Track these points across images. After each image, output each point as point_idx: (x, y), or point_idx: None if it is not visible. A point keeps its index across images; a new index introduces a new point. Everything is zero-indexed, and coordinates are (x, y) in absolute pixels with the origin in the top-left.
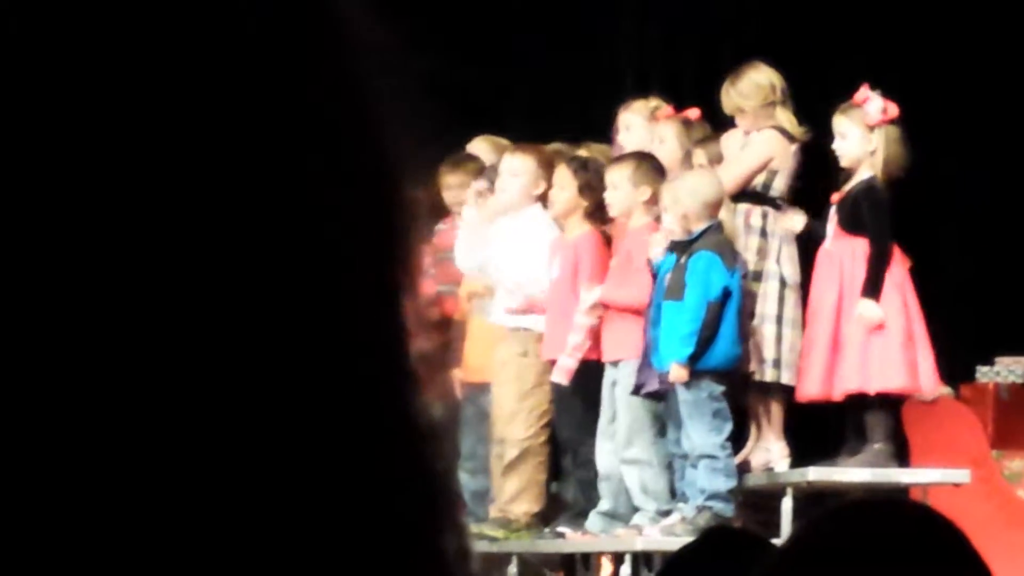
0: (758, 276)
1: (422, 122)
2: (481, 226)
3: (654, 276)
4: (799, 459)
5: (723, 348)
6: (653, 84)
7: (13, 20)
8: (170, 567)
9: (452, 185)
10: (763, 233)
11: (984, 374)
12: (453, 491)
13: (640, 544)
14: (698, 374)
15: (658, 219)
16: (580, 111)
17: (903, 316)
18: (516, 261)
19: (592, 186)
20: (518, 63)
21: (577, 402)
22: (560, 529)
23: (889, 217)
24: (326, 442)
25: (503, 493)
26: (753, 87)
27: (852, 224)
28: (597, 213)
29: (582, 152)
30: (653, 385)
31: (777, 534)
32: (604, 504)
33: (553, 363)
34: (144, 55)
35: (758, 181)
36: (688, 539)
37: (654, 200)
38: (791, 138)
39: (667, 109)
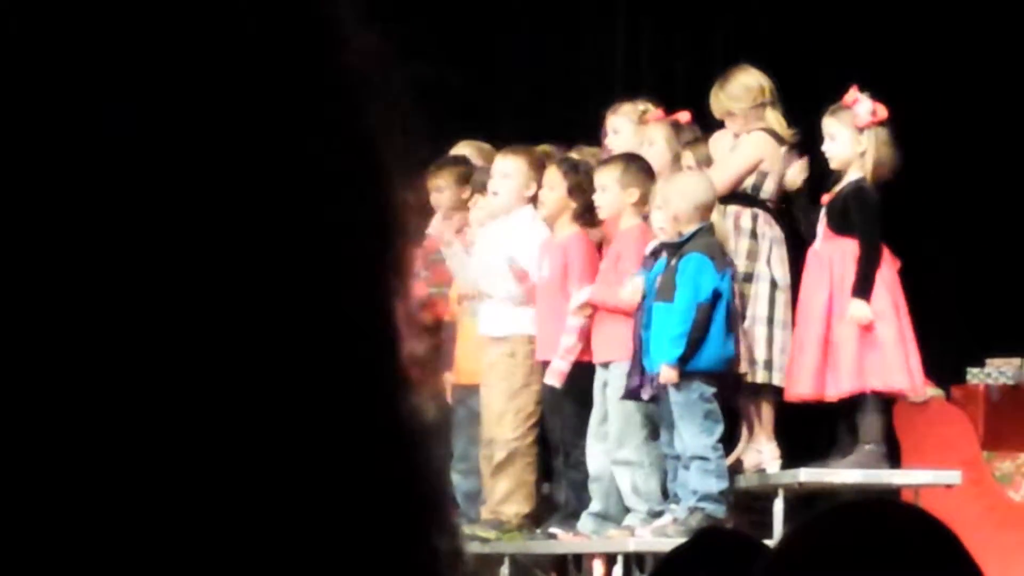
0: (748, 278)
1: (413, 124)
2: (470, 228)
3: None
4: (790, 460)
5: (713, 350)
6: (643, 87)
7: (13, 20)
8: (166, 567)
9: (440, 187)
10: (753, 235)
11: (975, 376)
12: (445, 493)
13: (632, 545)
14: (688, 375)
15: (646, 219)
16: (570, 114)
17: (894, 316)
18: (504, 262)
19: (582, 187)
20: (508, 65)
21: (568, 403)
22: (552, 530)
23: (879, 218)
24: (319, 444)
25: (493, 494)
26: (742, 89)
27: (842, 225)
28: (586, 214)
29: (573, 154)
30: (647, 392)
31: (769, 535)
32: (595, 505)
33: (543, 364)
34: (144, 57)
35: (748, 183)
36: (680, 540)
37: (643, 202)
38: (781, 140)
39: (656, 112)
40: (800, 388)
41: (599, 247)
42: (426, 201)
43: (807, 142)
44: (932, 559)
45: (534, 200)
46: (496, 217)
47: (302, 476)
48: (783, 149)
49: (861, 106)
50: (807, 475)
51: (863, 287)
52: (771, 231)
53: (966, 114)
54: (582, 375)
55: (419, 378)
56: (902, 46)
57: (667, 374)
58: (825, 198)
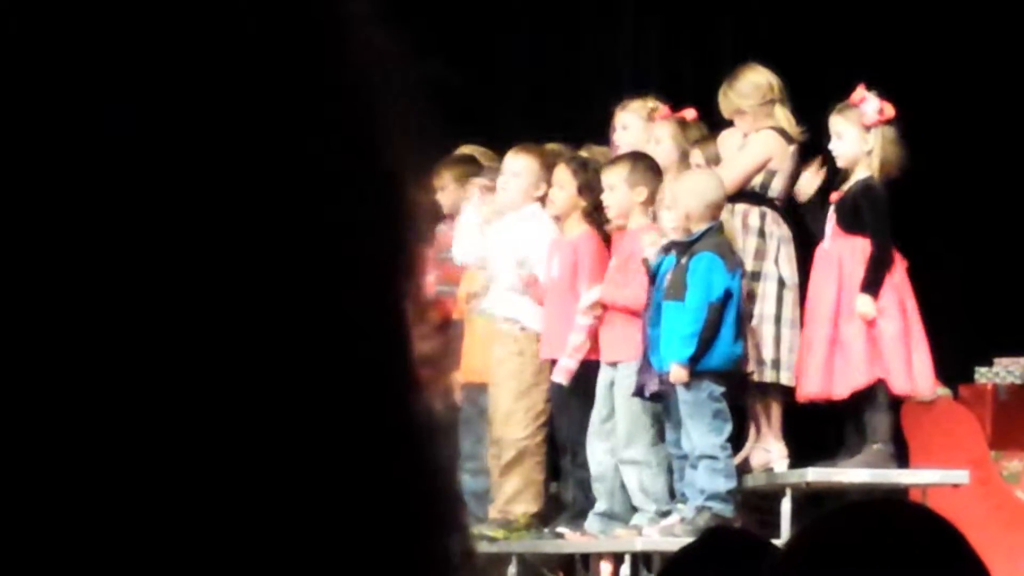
0: (756, 276)
1: (422, 124)
2: (481, 223)
3: (652, 278)
4: (798, 460)
5: (723, 349)
6: (651, 85)
7: (13, 20)
8: (171, 567)
9: (448, 186)
10: (761, 234)
11: (983, 375)
12: (455, 492)
13: (640, 544)
14: (698, 375)
15: (654, 218)
16: (577, 113)
17: (899, 316)
18: (513, 260)
19: (591, 186)
20: (514, 65)
21: (576, 402)
22: (559, 530)
23: (889, 216)
24: (329, 444)
25: (502, 494)
26: (751, 87)
27: (850, 224)
28: (596, 213)
29: (582, 153)
30: (654, 387)
31: (776, 534)
32: (600, 505)
33: (551, 363)
34: (145, 57)
35: (756, 181)
36: (688, 540)
37: (651, 200)
38: (789, 139)
39: (664, 109)
40: (809, 387)
41: (608, 246)
42: (435, 201)
43: (815, 141)
44: (939, 559)
45: (543, 199)
46: (503, 215)
47: (312, 475)
48: (792, 147)
49: (868, 105)
50: (815, 475)
51: (872, 284)
52: (779, 230)
53: (973, 112)
54: (590, 374)
55: (428, 377)
56: (909, 45)
57: (677, 373)
58: (833, 196)
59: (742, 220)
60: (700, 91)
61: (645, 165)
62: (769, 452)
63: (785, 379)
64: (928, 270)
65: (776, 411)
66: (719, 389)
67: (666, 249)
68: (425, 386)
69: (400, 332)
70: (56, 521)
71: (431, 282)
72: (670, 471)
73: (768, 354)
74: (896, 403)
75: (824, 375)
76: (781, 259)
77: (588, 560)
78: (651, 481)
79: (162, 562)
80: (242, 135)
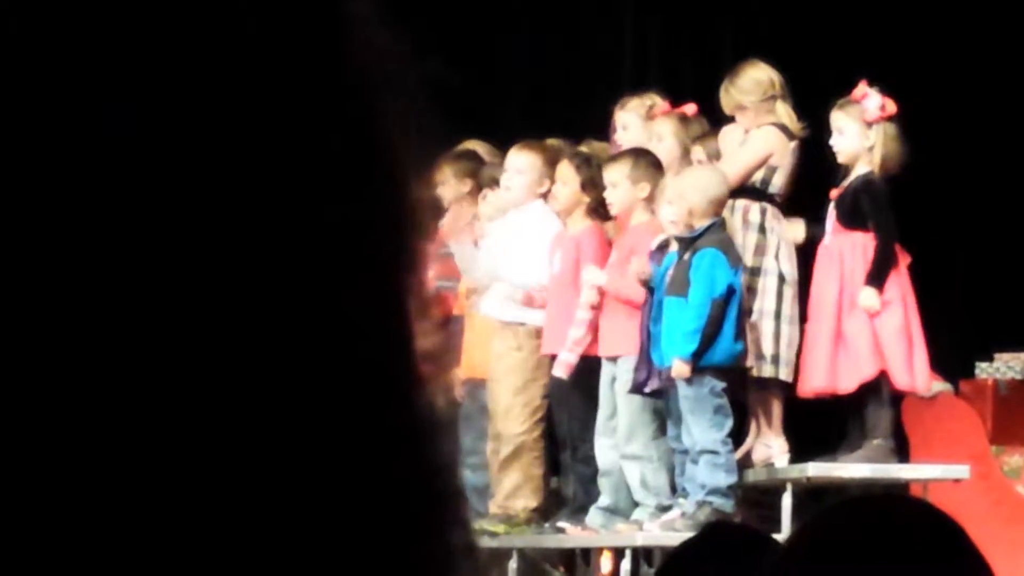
0: (756, 272)
1: (423, 120)
2: (480, 223)
3: (649, 290)
4: (799, 455)
5: (725, 345)
6: (652, 82)
7: (13, 20)
8: (172, 566)
9: (448, 181)
10: (761, 229)
11: (983, 370)
12: (457, 488)
13: (640, 539)
14: (700, 370)
15: (654, 212)
16: (578, 112)
17: (901, 311)
18: (518, 257)
19: (595, 182)
20: (514, 63)
21: (576, 397)
22: (560, 524)
23: (891, 209)
24: (331, 440)
25: (501, 489)
26: (753, 83)
27: (851, 219)
28: (600, 209)
29: (583, 149)
30: (654, 384)
31: (777, 529)
32: (604, 499)
33: (552, 358)
34: (145, 57)
35: (757, 177)
36: (688, 534)
37: (653, 196)
38: (790, 135)
39: (663, 105)
40: (814, 383)
41: (610, 242)
42: (437, 197)
43: (816, 137)
44: (940, 553)
45: (545, 196)
46: (507, 212)
47: (314, 471)
48: (793, 144)
49: (870, 101)
50: (815, 469)
51: (877, 277)
52: (779, 225)
53: (973, 108)
54: (590, 369)
55: (429, 373)
56: (911, 41)
57: (679, 369)
58: (834, 193)
59: (742, 216)
60: (700, 88)
61: (647, 161)
62: (770, 447)
63: (784, 375)
64: (929, 266)
65: (777, 406)
66: (720, 384)
67: (662, 246)
68: (427, 382)
69: (403, 329)
70: (57, 521)
71: (432, 277)
72: (671, 466)
73: (768, 350)
74: (897, 398)
75: (828, 370)
76: (781, 255)
77: (589, 555)
78: (652, 476)
79: (163, 562)
80: (243, 135)
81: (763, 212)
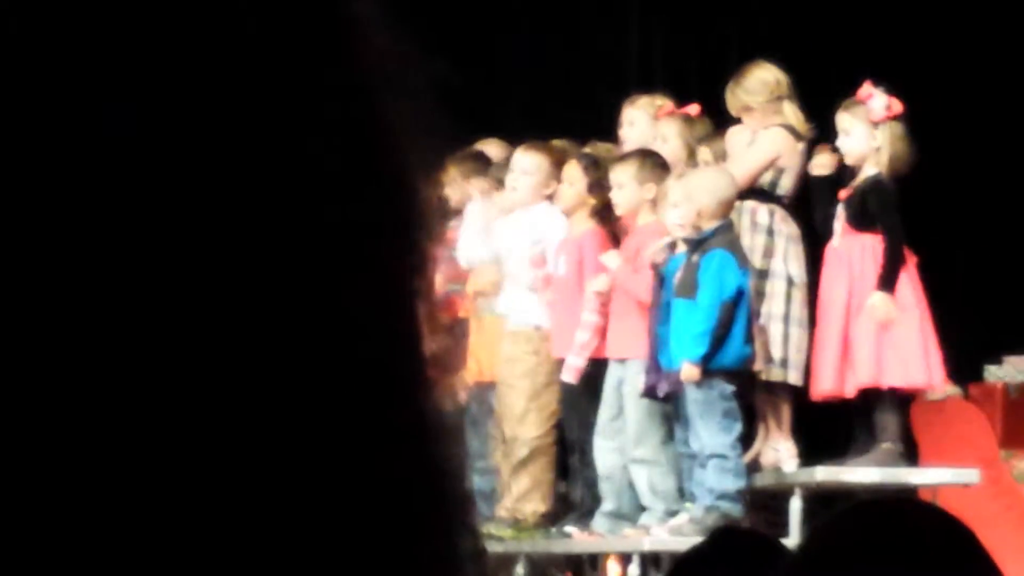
0: (764, 275)
1: (429, 121)
2: (487, 221)
3: (660, 281)
4: (808, 459)
5: (735, 348)
6: (657, 83)
7: (13, 20)
8: (174, 567)
9: (455, 182)
10: (769, 231)
11: (993, 373)
12: (466, 492)
13: (648, 544)
14: (709, 373)
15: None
16: (583, 112)
17: (916, 311)
18: (525, 258)
19: (601, 184)
20: (520, 62)
21: (585, 401)
22: (567, 529)
23: (899, 211)
24: (339, 443)
25: (512, 492)
26: (759, 83)
27: (860, 221)
28: (604, 211)
29: (588, 150)
30: (666, 388)
31: (785, 534)
32: (607, 504)
33: (561, 361)
34: (146, 56)
35: (765, 179)
36: (696, 539)
37: (660, 197)
38: (798, 136)
39: (667, 106)
40: (823, 386)
41: (616, 244)
42: (443, 198)
43: (823, 138)
44: (951, 558)
45: (551, 197)
46: (513, 212)
47: (321, 475)
48: (800, 145)
49: (876, 101)
50: (824, 474)
51: (887, 281)
52: (787, 228)
53: (981, 108)
54: (599, 372)
55: (437, 376)
56: (917, 40)
57: (689, 372)
58: (842, 194)
59: (750, 218)
60: (706, 89)
61: (654, 162)
62: (778, 451)
63: (793, 378)
64: (938, 268)
65: (785, 410)
66: (730, 388)
67: (670, 247)
68: (434, 385)
69: (411, 332)
70: (56, 520)
71: (440, 281)
72: (679, 471)
73: (776, 353)
74: (906, 402)
75: (836, 373)
76: (789, 257)
77: (596, 560)
78: (660, 480)
79: (165, 563)
80: (247, 136)
81: (771, 214)
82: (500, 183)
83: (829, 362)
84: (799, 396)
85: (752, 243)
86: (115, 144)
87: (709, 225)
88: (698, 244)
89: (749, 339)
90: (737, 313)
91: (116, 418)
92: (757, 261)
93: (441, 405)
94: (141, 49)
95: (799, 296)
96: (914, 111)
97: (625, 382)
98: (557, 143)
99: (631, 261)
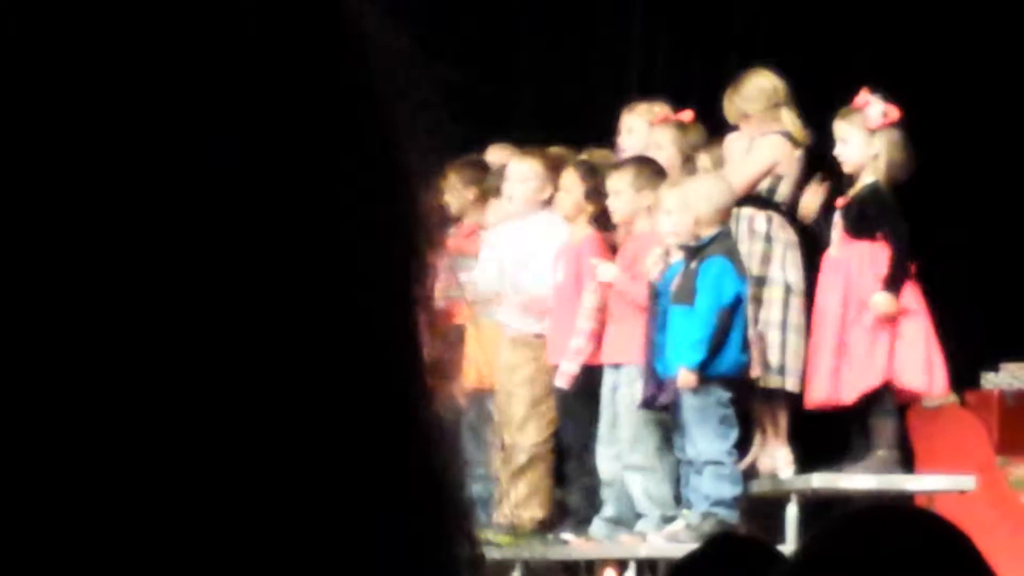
0: (762, 282)
1: (434, 126)
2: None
3: (654, 295)
4: (804, 466)
5: (732, 355)
6: (659, 89)
7: (13, 20)
8: (174, 567)
9: (455, 189)
10: (767, 238)
11: (989, 380)
12: (466, 499)
13: (644, 551)
14: (706, 380)
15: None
16: (585, 116)
17: (921, 315)
18: (525, 266)
19: (598, 191)
20: (522, 67)
21: (581, 407)
22: (564, 536)
23: (900, 215)
24: (338, 449)
25: (510, 498)
26: (757, 91)
27: (858, 229)
28: (601, 218)
29: (584, 157)
30: (665, 399)
31: (781, 541)
32: (607, 510)
33: (556, 368)
34: (152, 57)
35: (763, 186)
36: (692, 546)
37: (656, 204)
38: (796, 143)
39: (661, 113)
40: (817, 394)
41: (613, 250)
42: (444, 205)
43: (820, 146)
44: (947, 564)
45: (548, 203)
46: (510, 220)
47: (320, 481)
48: (798, 152)
49: (872, 108)
50: (820, 480)
51: (893, 282)
52: (785, 234)
53: (978, 115)
54: (595, 379)
55: (436, 384)
56: (913, 46)
57: (686, 378)
58: (840, 202)
59: (748, 224)
60: (707, 95)
61: (651, 170)
62: (775, 458)
63: (791, 385)
64: (935, 275)
65: (782, 417)
66: (726, 395)
67: (664, 255)
68: (435, 393)
69: (412, 339)
70: (56, 520)
71: (439, 288)
72: (675, 477)
73: (774, 360)
74: (901, 409)
75: (831, 382)
76: (787, 264)
77: (593, 566)
78: (656, 487)
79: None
80: (247, 139)
81: (769, 221)
82: (498, 190)
83: (823, 371)
84: (796, 403)
85: (750, 250)
86: (116, 143)
87: (707, 232)
88: (696, 251)
89: (746, 347)
90: (734, 320)
91: (118, 419)
92: (755, 268)
93: (441, 412)
94: (142, 47)
95: (796, 303)
96: (911, 118)
97: (619, 388)
98: (554, 150)
99: (628, 268)
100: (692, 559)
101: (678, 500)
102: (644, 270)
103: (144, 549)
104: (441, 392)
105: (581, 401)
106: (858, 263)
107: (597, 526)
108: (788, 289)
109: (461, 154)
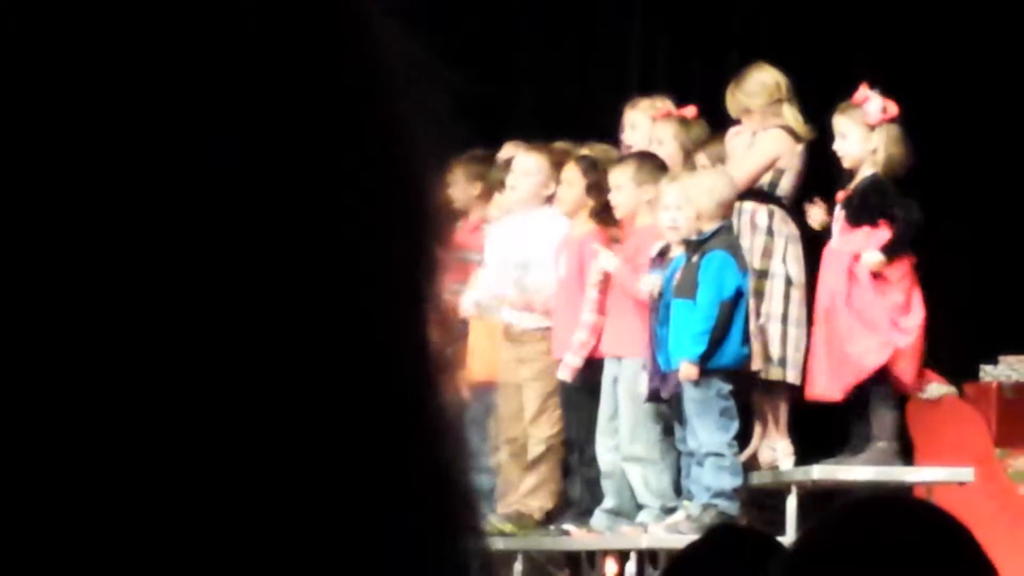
0: (763, 275)
1: (440, 123)
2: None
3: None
4: (804, 457)
5: (732, 348)
6: (659, 85)
7: (14, 20)
8: (175, 567)
9: (460, 183)
10: (769, 232)
11: (988, 373)
12: (471, 492)
13: (645, 542)
14: (707, 373)
15: None
16: (586, 112)
17: (906, 308)
18: (526, 266)
19: (600, 185)
20: (522, 66)
21: (583, 400)
22: (565, 527)
23: (902, 199)
24: (347, 444)
25: (520, 488)
26: (759, 86)
27: (858, 216)
28: (604, 212)
29: (584, 151)
30: (668, 392)
31: (781, 532)
32: (608, 502)
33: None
34: (152, 57)
35: (764, 180)
36: (693, 537)
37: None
38: (797, 138)
39: (663, 108)
40: (819, 387)
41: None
42: (450, 200)
43: (819, 141)
44: (946, 555)
45: (550, 200)
46: (513, 213)
47: (328, 476)
48: (800, 146)
49: (871, 104)
50: (820, 472)
51: (891, 249)
52: (786, 228)
53: (978, 108)
54: (598, 371)
55: (442, 377)
56: (912, 41)
57: (687, 371)
58: (840, 195)
59: (750, 218)
60: (708, 94)
61: (653, 165)
62: (775, 450)
63: (791, 377)
64: (934, 268)
65: (782, 409)
66: (727, 387)
67: (662, 252)
68: (442, 387)
69: (418, 335)
70: (56, 520)
71: (447, 282)
72: (675, 468)
73: (775, 352)
74: (901, 401)
75: (831, 373)
76: (788, 257)
77: (594, 557)
78: (655, 478)
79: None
80: (252, 136)
81: (770, 215)
82: (502, 184)
83: (824, 363)
84: (796, 395)
85: (751, 244)
86: (117, 143)
87: (709, 227)
88: (698, 246)
89: (747, 340)
90: (735, 314)
91: (119, 416)
92: (756, 262)
93: (448, 406)
94: (141, 48)
95: (797, 296)
96: (911, 114)
97: (620, 380)
98: (559, 145)
99: (630, 262)
100: (693, 550)
101: (679, 491)
102: (645, 264)
103: (144, 548)
104: (447, 385)
105: (582, 393)
106: (857, 247)
107: (598, 517)
108: (789, 282)
109: (467, 150)
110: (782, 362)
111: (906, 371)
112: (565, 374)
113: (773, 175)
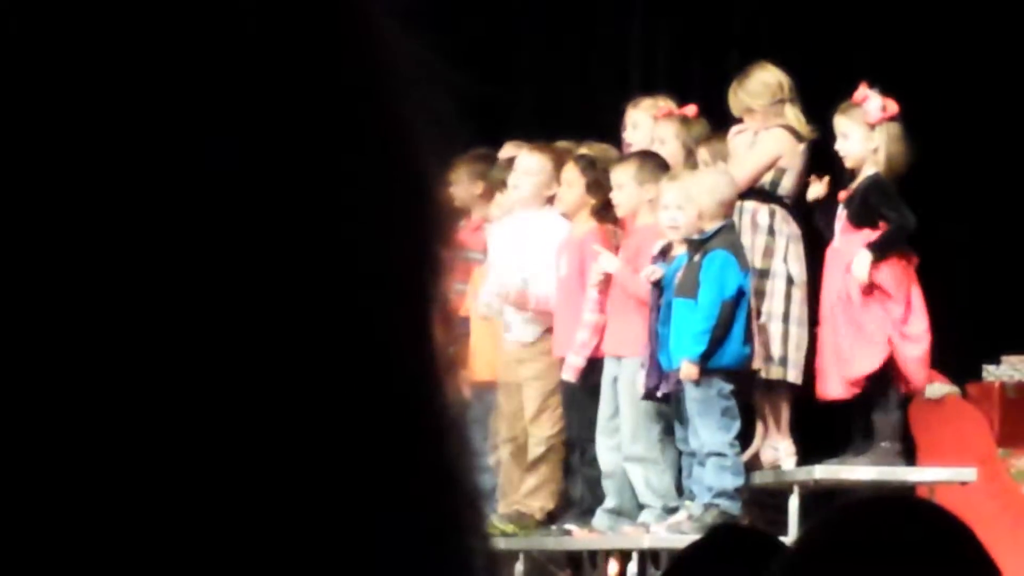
0: (765, 274)
1: (443, 123)
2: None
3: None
4: (806, 457)
5: (734, 347)
6: (660, 84)
7: (14, 20)
8: (175, 567)
9: (463, 183)
10: (770, 231)
11: (991, 373)
12: (475, 491)
13: (647, 542)
14: (709, 372)
15: None
16: (587, 111)
17: (905, 309)
18: (526, 267)
19: (600, 184)
20: (523, 66)
21: (585, 399)
22: (567, 527)
23: (903, 202)
24: (349, 444)
25: (521, 488)
26: (761, 86)
27: (861, 217)
28: (604, 211)
29: (584, 150)
30: (667, 389)
31: (784, 532)
32: (609, 501)
33: (562, 361)
34: (152, 57)
35: (766, 179)
36: (695, 537)
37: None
38: (799, 137)
39: (664, 108)
40: (830, 388)
41: (617, 245)
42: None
43: (821, 141)
44: (948, 555)
45: (551, 201)
46: (514, 213)
47: (332, 477)
48: (802, 146)
49: (871, 103)
50: (823, 472)
51: (879, 248)
52: (788, 228)
53: (980, 107)
54: (599, 371)
55: (447, 377)
56: (912, 40)
57: (688, 370)
58: (842, 195)
59: (751, 218)
60: (708, 94)
61: (654, 164)
62: (777, 449)
63: (792, 377)
64: (935, 268)
65: (784, 409)
66: (728, 387)
67: (663, 251)
68: (445, 386)
69: (422, 335)
70: (56, 520)
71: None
72: (676, 468)
73: (776, 351)
74: (904, 401)
75: (836, 372)
76: (790, 257)
77: (595, 557)
78: (657, 478)
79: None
80: (252, 136)
81: (772, 214)
82: (504, 184)
83: (832, 363)
84: (798, 394)
85: (753, 243)
86: (123, 143)
87: (710, 226)
88: (699, 245)
89: (748, 339)
90: (737, 313)
91: (120, 417)
92: (758, 261)
93: (453, 406)
94: (142, 47)
95: (799, 295)
96: (912, 114)
97: (620, 379)
98: (560, 144)
99: (631, 261)
100: (694, 550)
101: (680, 491)
102: (646, 264)
103: (145, 548)
104: (450, 385)
105: (583, 393)
106: (859, 248)
107: (600, 517)
108: (790, 282)
109: (469, 149)
110: (783, 361)
111: (916, 374)
112: (569, 375)
113: (775, 175)
